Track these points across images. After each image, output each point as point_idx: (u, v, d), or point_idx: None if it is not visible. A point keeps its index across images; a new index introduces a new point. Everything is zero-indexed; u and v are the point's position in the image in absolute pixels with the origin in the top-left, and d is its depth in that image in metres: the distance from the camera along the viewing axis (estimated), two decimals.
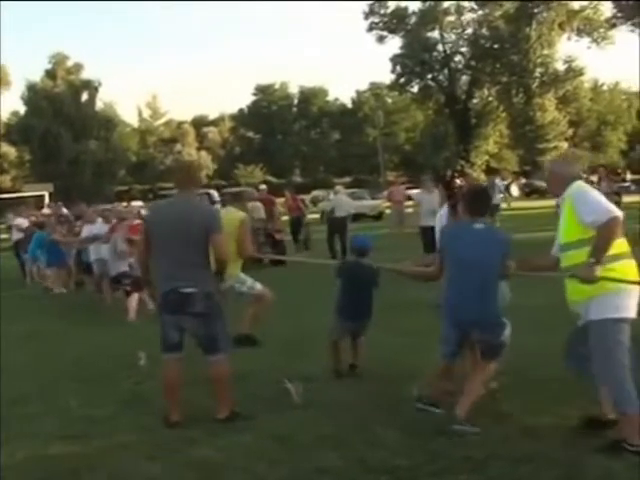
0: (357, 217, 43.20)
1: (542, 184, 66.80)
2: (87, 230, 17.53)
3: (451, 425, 6.64)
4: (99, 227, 17.09)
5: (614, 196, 19.19)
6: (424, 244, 16.81)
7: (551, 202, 21.50)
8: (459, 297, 6.86)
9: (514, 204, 51.20)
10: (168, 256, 7.44)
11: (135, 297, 14.65)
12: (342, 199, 23.98)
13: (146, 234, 7.76)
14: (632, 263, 6.24)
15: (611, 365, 6.04)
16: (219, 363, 7.59)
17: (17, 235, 24.38)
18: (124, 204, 36.88)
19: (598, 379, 6.23)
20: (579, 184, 6.46)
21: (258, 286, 10.96)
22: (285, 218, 26.80)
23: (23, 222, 24.94)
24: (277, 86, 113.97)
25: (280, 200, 27.19)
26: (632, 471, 5.66)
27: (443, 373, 7.30)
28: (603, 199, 6.27)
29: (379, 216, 45.60)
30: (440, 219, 12.21)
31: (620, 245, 6.19)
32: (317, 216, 42.44)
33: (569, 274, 6.26)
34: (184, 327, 7.58)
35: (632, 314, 6.11)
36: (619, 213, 6.08)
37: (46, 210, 35.10)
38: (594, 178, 31.36)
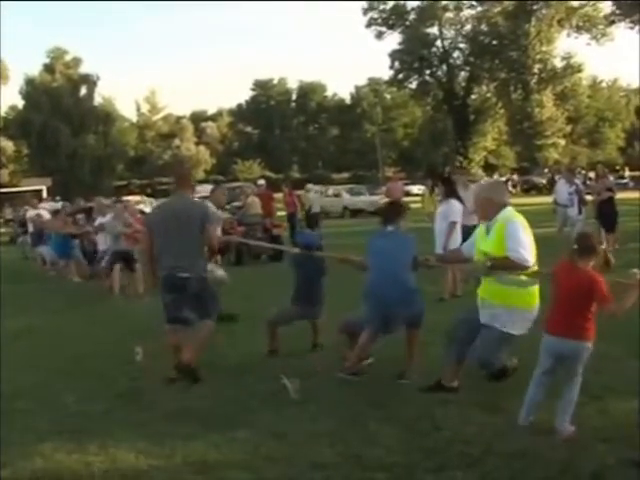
0: (355, 213, 43.34)
1: (541, 180, 67.07)
2: (98, 221, 18.48)
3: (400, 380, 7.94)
4: (108, 218, 17.84)
5: (608, 192, 19.07)
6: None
7: (548, 199, 21.53)
8: (381, 283, 8.20)
9: (513, 200, 51.29)
10: (170, 247, 8.75)
11: (116, 270, 16.52)
12: (314, 197, 24.43)
13: (149, 229, 9.16)
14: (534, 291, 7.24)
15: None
16: (207, 324, 8.99)
17: (32, 228, 24.98)
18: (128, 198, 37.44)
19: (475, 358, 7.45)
20: (511, 212, 7.41)
21: (219, 272, 12.03)
22: (283, 213, 26.82)
23: (39, 213, 25.63)
24: (275, 81, 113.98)
25: (279, 196, 27.25)
26: (626, 467, 5.69)
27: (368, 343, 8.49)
28: (528, 240, 7.17)
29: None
30: (443, 217, 12.19)
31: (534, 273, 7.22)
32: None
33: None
34: (182, 304, 8.82)
35: (523, 332, 7.25)
36: (532, 262, 7.11)
37: (45, 205, 35.32)
38: (592, 175, 31.40)
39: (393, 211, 8.72)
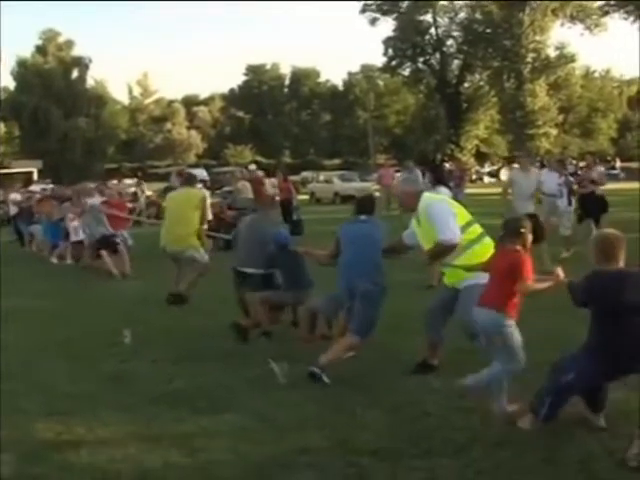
0: (346, 199, 43.31)
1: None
2: (89, 203, 18.68)
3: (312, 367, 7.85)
4: (95, 200, 18.65)
5: (592, 184, 18.92)
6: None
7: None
8: (351, 260, 8.53)
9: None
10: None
11: (104, 254, 16.84)
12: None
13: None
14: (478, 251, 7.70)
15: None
16: None
17: (14, 209, 25.60)
18: (114, 182, 37.61)
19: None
20: (427, 197, 8.15)
21: (206, 258, 13.12)
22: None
23: (17, 197, 26.35)
24: (268, 66, 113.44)
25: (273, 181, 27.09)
26: (611, 456, 5.73)
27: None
28: (450, 215, 7.78)
29: None
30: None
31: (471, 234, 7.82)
32: (306, 197, 42.49)
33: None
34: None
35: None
36: (458, 235, 7.67)
37: (34, 187, 35.64)
38: (583, 164, 31.41)
39: (367, 203, 9.11)
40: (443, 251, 7.76)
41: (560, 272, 6.51)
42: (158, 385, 8.08)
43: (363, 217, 8.85)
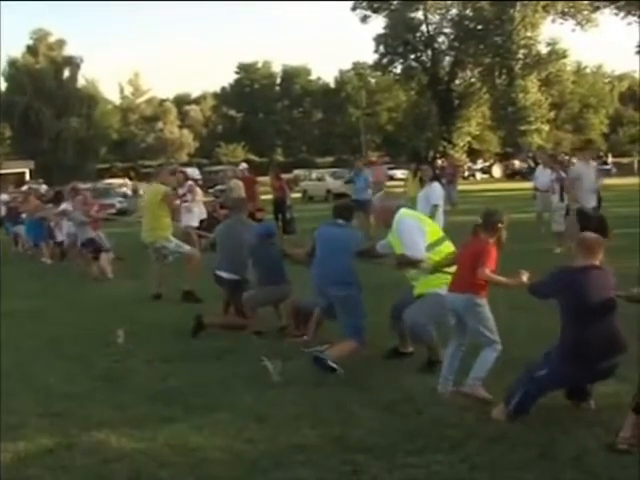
0: (339, 197, 43.28)
1: (523, 165, 67.14)
2: (63, 206, 19.50)
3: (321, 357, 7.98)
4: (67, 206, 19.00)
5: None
6: (582, 228, 12.90)
7: (531, 185, 21.52)
8: (322, 265, 8.79)
9: (496, 185, 51.43)
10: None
11: (103, 257, 16.86)
12: None
13: None
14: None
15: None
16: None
17: (4, 210, 26.05)
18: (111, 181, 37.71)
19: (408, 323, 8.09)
20: (402, 213, 8.38)
21: (185, 247, 13.59)
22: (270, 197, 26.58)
23: (5, 197, 26.91)
24: (260, 65, 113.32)
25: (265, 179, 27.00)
26: (605, 450, 5.73)
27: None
28: (417, 234, 8.10)
29: None
30: (424, 199, 12.24)
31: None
32: (299, 195, 42.43)
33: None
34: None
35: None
36: (422, 253, 8.00)
37: (25, 187, 35.81)
38: (575, 160, 31.42)
39: (344, 210, 9.26)
40: (409, 260, 8.12)
41: (525, 275, 6.86)
42: (152, 384, 8.07)
43: (340, 221, 9.04)
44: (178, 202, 16.17)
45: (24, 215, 23.34)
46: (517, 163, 72.93)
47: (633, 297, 6.44)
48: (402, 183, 26.03)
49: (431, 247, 8.10)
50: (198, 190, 21.09)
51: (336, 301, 8.64)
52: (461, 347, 7.33)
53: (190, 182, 21.22)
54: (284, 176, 29.01)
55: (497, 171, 74.32)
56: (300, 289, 10.42)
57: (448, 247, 8.23)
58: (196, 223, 19.40)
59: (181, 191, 18.96)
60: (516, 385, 6.45)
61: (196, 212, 19.62)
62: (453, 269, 7.61)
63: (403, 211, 8.48)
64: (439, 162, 49.79)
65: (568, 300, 6.30)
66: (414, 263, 8.08)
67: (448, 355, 7.35)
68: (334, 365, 7.83)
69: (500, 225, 7.05)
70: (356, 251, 8.86)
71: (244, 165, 26.76)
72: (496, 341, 7.04)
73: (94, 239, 17.48)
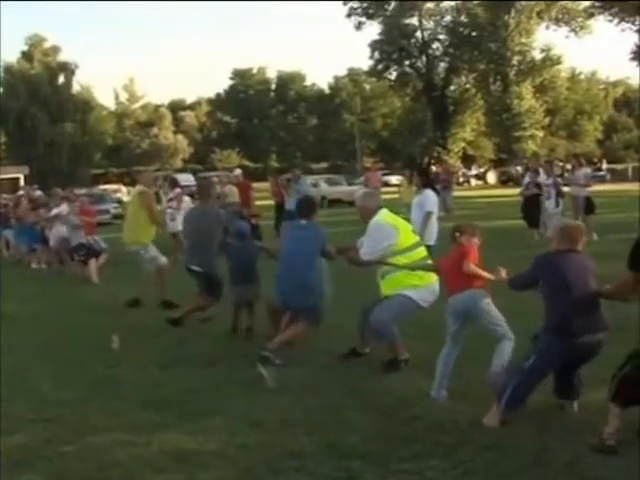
0: (333, 203, 43.28)
1: (518, 170, 67.15)
2: (54, 211, 20.00)
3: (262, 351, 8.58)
4: (63, 208, 19.66)
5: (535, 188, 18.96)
6: None
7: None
8: (282, 275, 9.19)
9: (490, 191, 51.44)
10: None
11: (92, 262, 17.32)
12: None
13: None
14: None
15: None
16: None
17: None
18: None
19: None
20: (380, 214, 8.73)
21: (161, 260, 13.19)
22: (264, 203, 26.66)
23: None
24: (255, 71, 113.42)
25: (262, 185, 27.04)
26: (598, 456, 5.74)
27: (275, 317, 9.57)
28: (378, 238, 8.51)
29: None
30: (418, 207, 12.25)
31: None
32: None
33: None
34: None
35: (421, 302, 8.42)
36: (371, 257, 8.52)
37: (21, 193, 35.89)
38: (569, 166, 31.48)
39: (307, 207, 9.61)
40: (358, 261, 8.83)
41: (503, 272, 7.26)
42: (146, 390, 8.06)
43: (303, 222, 9.41)
44: (165, 205, 16.28)
45: (13, 220, 23.50)
46: (519, 169, 72.84)
47: (603, 293, 6.59)
48: (396, 189, 26.08)
49: (403, 252, 8.43)
50: (186, 198, 21.13)
51: (300, 311, 9.12)
52: (455, 352, 7.39)
53: (178, 189, 21.24)
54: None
55: (492, 177, 74.41)
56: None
57: (420, 253, 8.59)
58: (178, 228, 19.31)
59: (169, 196, 18.99)
60: (507, 381, 6.56)
61: (179, 219, 19.57)
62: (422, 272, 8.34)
63: (382, 212, 8.80)
64: (433, 168, 49.84)
65: (550, 280, 6.59)
66: (360, 264, 8.83)
67: (442, 360, 7.38)
68: (270, 355, 8.53)
69: (457, 234, 7.47)
70: (337, 249, 9.39)
71: (238, 171, 26.74)
72: (508, 332, 7.24)
73: (85, 244, 17.85)
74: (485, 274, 7.25)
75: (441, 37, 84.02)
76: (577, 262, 6.60)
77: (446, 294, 7.50)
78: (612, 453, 5.77)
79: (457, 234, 7.48)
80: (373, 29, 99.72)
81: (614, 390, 5.99)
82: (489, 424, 6.48)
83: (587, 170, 22.49)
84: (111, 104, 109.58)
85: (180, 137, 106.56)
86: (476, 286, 7.24)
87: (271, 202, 26.29)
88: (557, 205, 18.39)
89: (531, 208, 18.74)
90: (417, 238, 8.89)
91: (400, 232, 8.56)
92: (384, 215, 8.79)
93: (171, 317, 11.07)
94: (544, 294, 6.63)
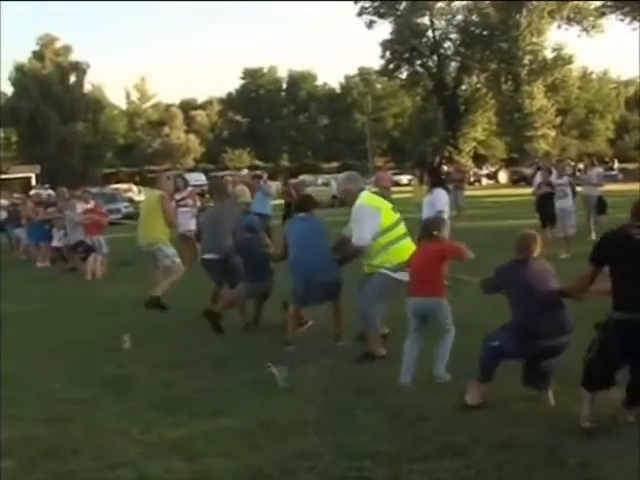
0: (344, 202, 43.25)
1: (529, 171, 67.08)
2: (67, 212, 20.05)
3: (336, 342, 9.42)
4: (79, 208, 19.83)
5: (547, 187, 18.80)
6: None
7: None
8: (302, 256, 9.49)
9: (501, 191, 51.33)
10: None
11: (91, 258, 17.89)
12: None
13: None
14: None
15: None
16: None
17: (3, 214, 26.34)
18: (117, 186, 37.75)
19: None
20: (362, 197, 9.07)
21: (177, 260, 12.67)
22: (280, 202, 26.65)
23: (5, 201, 27.69)
24: (265, 70, 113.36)
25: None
26: (611, 457, 5.70)
27: (295, 315, 9.81)
28: (367, 220, 8.77)
29: None
30: (429, 206, 12.26)
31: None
32: None
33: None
34: None
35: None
36: (366, 240, 8.73)
37: (32, 192, 36.17)
38: (581, 166, 31.38)
39: (304, 203, 10.32)
40: (350, 249, 9.20)
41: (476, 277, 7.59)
42: (157, 390, 8.07)
43: (302, 215, 10.00)
44: (173, 204, 16.23)
45: (23, 219, 23.80)
46: (529, 171, 72.65)
47: (563, 291, 6.82)
48: (407, 188, 26.02)
49: (385, 232, 8.74)
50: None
51: (324, 286, 9.44)
52: (420, 338, 7.91)
53: (190, 188, 21.21)
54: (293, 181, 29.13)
55: (503, 177, 74.31)
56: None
57: (399, 231, 8.89)
58: (194, 226, 19.19)
59: (178, 196, 18.92)
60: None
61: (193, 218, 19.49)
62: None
63: (363, 195, 9.16)
64: (444, 168, 49.81)
65: (512, 287, 6.87)
66: (349, 254, 9.30)
67: (408, 347, 7.85)
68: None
69: (435, 233, 7.86)
70: (333, 249, 9.77)
71: (245, 171, 26.79)
72: (452, 327, 7.82)
73: (84, 241, 18.34)
74: (465, 278, 7.81)
75: (452, 36, 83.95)
76: (535, 268, 6.91)
77: (408, 292, 7.95)
78: (588, 436, 6.01)
79: (435, 232, 7.86)
80: (384, 28, 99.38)
81: (582, 375, 6.23)
82: (472, 402, 6.86)
83: (599, 170, 22.36)
84: (122, 103, 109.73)
85: (191, 136, 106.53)
86: (442, 295, 7.80)
87: (280, 201, 26.25)
88: (573, 204, 18.22)
89: (547, 207, 18.60)
90: (398, 216, 9.10)
91: (382, 212, 8.87)
92: (366, 197, 9.15)
93: (208, 308, 11.11)
94: (508, 297, 6.92)
